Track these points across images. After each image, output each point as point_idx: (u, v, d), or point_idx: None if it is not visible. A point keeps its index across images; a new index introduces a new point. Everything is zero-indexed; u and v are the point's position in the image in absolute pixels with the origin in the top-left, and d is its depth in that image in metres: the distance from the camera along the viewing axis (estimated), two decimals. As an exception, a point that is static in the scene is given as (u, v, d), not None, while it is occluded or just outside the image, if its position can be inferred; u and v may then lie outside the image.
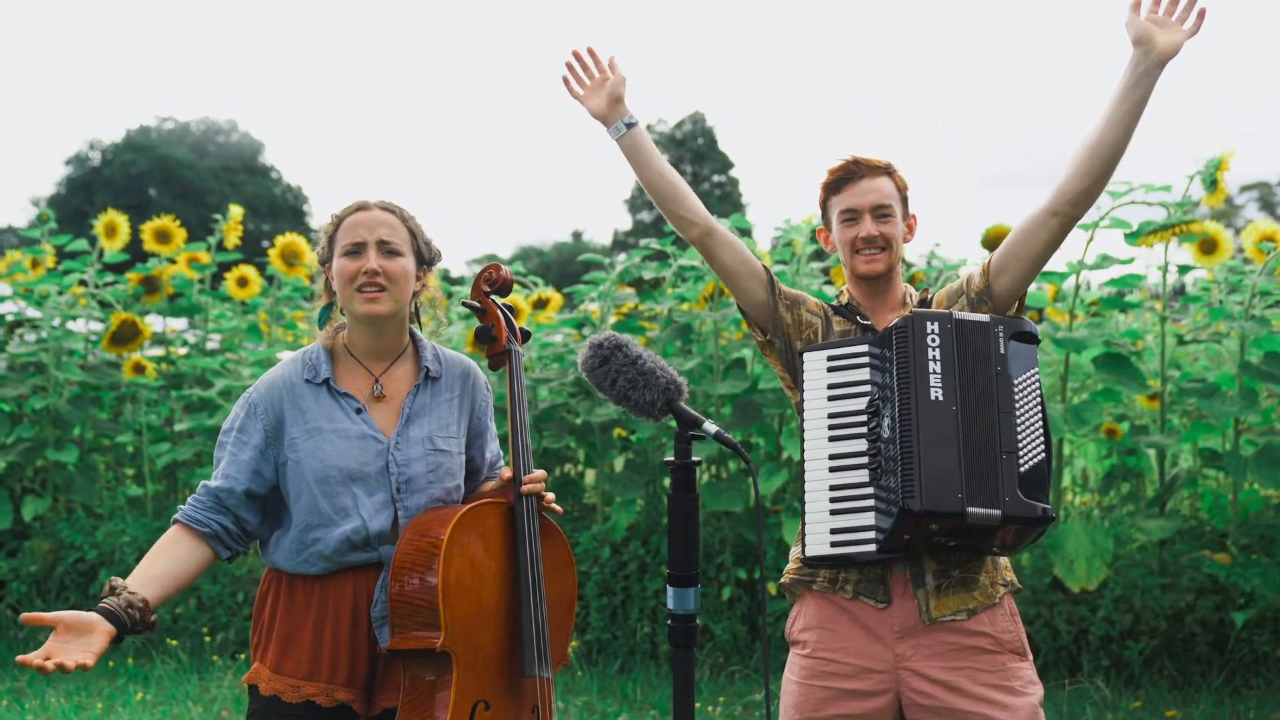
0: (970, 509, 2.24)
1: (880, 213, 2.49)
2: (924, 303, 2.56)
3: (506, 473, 2.36)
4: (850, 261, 2.52)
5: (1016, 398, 2.31)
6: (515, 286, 6.18)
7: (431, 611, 2.18)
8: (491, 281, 2.48)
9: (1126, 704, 4.62)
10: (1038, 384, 2.35)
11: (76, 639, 2.02)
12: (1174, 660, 4.84)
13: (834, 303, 2.61)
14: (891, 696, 2.37)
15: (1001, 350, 2.33)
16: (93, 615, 2.05)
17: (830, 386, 2.41)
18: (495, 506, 2.31)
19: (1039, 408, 2.34)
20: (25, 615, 1.98)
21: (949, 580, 2.37)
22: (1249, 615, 4.64)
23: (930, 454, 2.27)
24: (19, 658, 1.93)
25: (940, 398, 2.30)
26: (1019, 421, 2.30)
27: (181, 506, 2.30)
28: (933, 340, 2.33)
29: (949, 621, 2.35)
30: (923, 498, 2.25)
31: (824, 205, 2.59)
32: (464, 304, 2.51)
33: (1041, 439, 2.32)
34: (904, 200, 2.56)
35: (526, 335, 2.53)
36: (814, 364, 2.45)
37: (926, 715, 2.35)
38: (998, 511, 2.24)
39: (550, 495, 2.39)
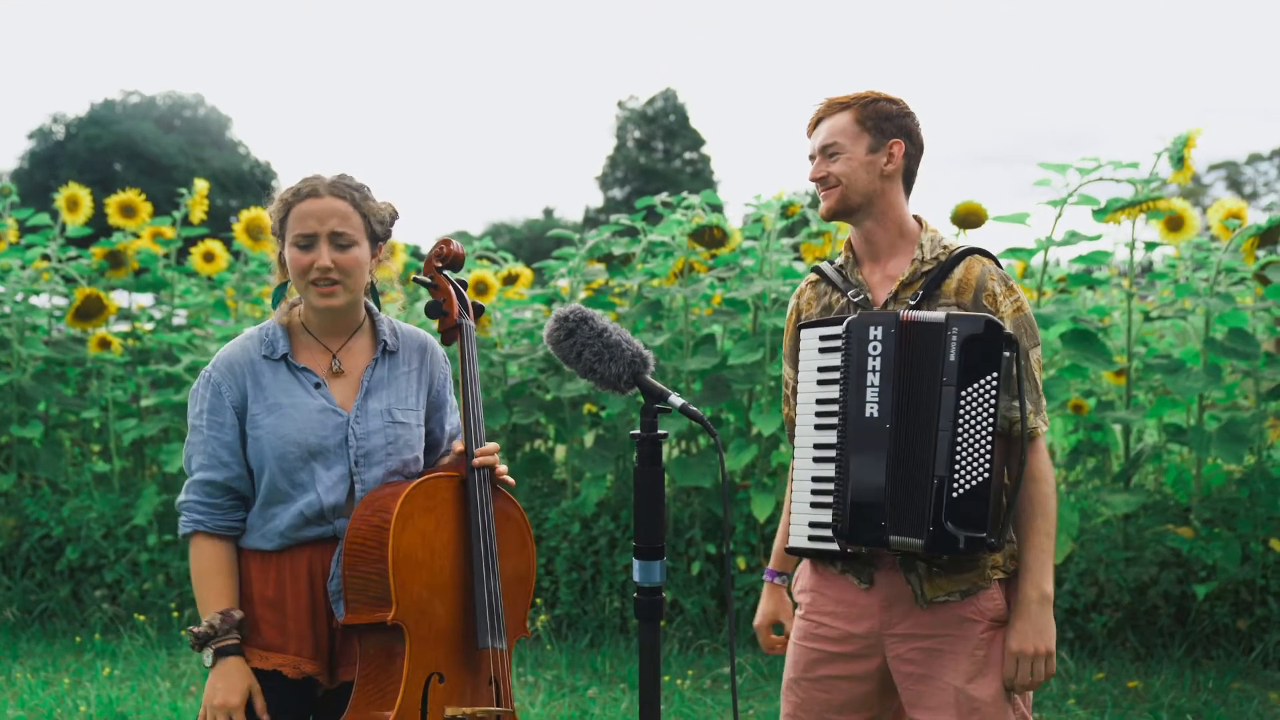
0: (893, 538, 2.22)
1: (828, 151, 2.39)
2: (949, 257, 2.35)
3: (458, 445, 2.35)
4: None
5: (962, 411, 2.18)
6: (485, 262, 6.16)
7: (382, 586, 2.18)
8: (443, 257, 2.48)
9: (1090, 675, 4.68)
10: (993, 391, 2.19)
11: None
12: (1137, 632, 4.91)
13: (834, 261, 2.51)
14: (879, 660, 2.39)
15: (951, 357, 2.19)
16: (253, 679, 2.23)
17: (820, 369, 2.35)
18: (447, 480, 2.31)
19: (989, 419, 2.19)
20: None
21: (942, 563, 2.33)
22: (1210, 588, 4.71)
23: (858, 477, 2.23)
24: None
25: (875, 414, 2.23)
26: (960, 440, 2.18)
27: (190, 510, 2.28)
28: (874, 348, 2.24)
29: (942, 601, 2.34)
30: (846, 524, 2.24)
31: None
32: (414, 279, 2.51)
33: (987, 457, 2.18)
34: (872, 129, 2.37)
35: (480, 309, 2.52)
36: (809, 342, 2.37)
37: (907, 682, 2.37)
38: (919, 541, 2.20)
39: (503, 468, 2.37)
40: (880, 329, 2.24)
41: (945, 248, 2.39)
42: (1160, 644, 4.89)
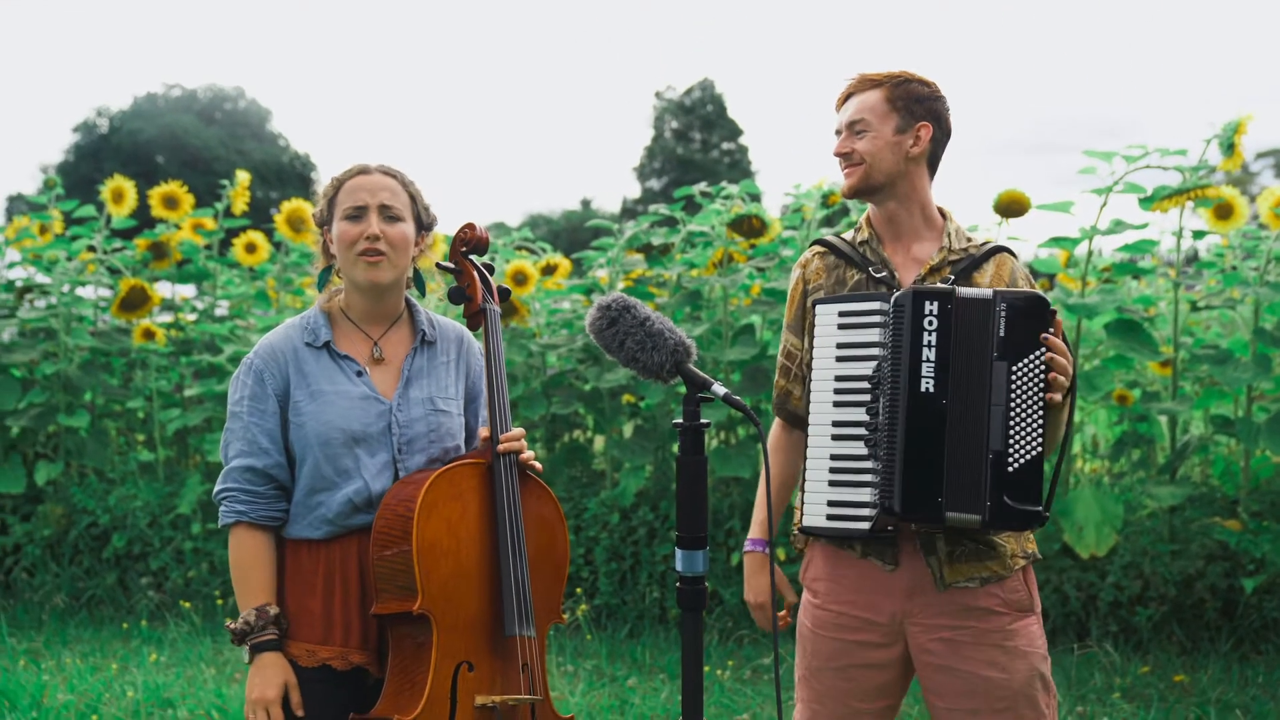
0: (949, 514, 2.19)
1: (856, 128, 2.38)
2: (981, 251, 2.39)
3: (485, 431, 2.35)
4: None
5: (1013, 386, 2.18)
6: (524, 253, 6.17)
7: (408, 575, 2.17)
8: (467, 241, 2.46)
9: (1135, 669, 4.63)
10: (1042, 365, 2.20)
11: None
12: (1183, 626, 4.84)
13: (848, 235, 2.48)
14: (901, 648, 2.37)
15: (1001, 333, 2.19)
16: (290, 673, 2.25)
17: (840, 346, 2.31)
18: (473, 467, 2.29)
19: (1040, 395, 2.20)
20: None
21: (963, 548, 2.32)
22: (1259, 582, 4.64)
23: (913, 453, 2.20)
24: None
25: (931, 389, 2.20)
26: (1012, 415, 2.18)
27: (233, 500, 2.28)
28: (930, 323, 2.21)
29: (962, 586, 2.33)
30: (900, 500, 2.20)
31: None
32: (439, 266, 2.49)
33: (1039, 431, 2.19)
34: (902, 110, 2.37)
35: (505, 293, 2.50)
36: (825, 318, 2.33)
37: (929, 671, 2.35)
38: (978, 517, 2.18)
39: (530, 453, 2.36)
40: (936, 304, 2.21)
41: (970, 240, 2.42)
42: (1207, 638, 4.82)
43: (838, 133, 2.43)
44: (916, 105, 2.38)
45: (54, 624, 5.60)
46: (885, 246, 2.43)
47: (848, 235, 2.50)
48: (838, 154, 2.41)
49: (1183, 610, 4.86)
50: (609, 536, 5.43)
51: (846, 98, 2.43)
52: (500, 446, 2.30)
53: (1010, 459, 2.19)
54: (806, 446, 2.35)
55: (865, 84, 2.40)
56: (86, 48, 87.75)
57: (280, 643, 2.24)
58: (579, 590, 5.43)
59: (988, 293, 2.23)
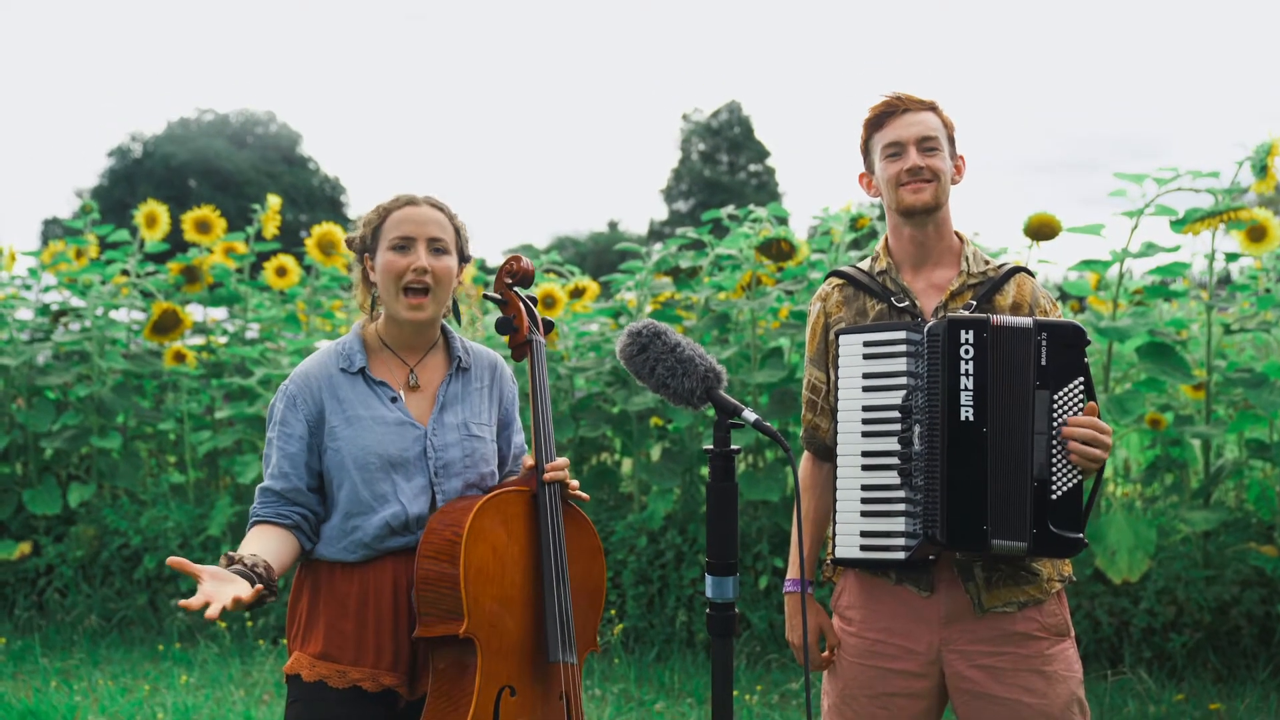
0: (995, 541, 2.19)
1: (926, 145, 2.36)
2: (1000, 274, 2.39)
3: (529, 460, 2.36)
4: (895, 196, 2.38)
5: (1054, 414, 2.20)
6: (552, 276, 6.20)
7: (454, 599, 2.19)
8: (513, 273, 2.49)
9: (1170, 696, 4.56)
10: (1080, 396, 2.22)
11: (222, 585, 1.99)
12: (1218, 653, 4.78)
13: (865, 265, 2.48)
14: (937, 679, 2.36)
15: (1042, 361, 2.20)
16: (230, 571, 2.04)
17: (865, 376, 2.31)
18: (519, 494, 2.32)
19: None
20: (172, 560, 1.94)
21: (1000, 573, 2.32)
22: (1296, 608, 4.57)
23: (956, 483, 2.19)
24: (181, 602, 1.92)
25: (971, 418, 2.19)
26: (1054, 443, 2.20)
27: (254, 515, 2.30)
28: (966, 351, 2.20)
29: (1000, 611, 2.32)
30: (946, 530, 2.19)
31: (865, 145, 2.46)
32: (485, 296, 2.54)
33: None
34: (951, 139, 2.42)
35: (549, 325, 2.54)
36: (849, 349, 2.33)
37: (966, 698, 2.34)
38: (1023, 544, 2.18)
39: (574, 482, 2.38)
40: (972, 332, 2.21)
41: (987, 263, 2.43)
42: (1244, 665, 4.75)
43: (897, 147, 2.38)
44: (954, 135, 2.44)
45: (86, 645, 5.64)
46: (904, 274, 2.44)
47: (864, 265, 2.50)
48: (913, 169, 2.35)
49: (1218, 637, 4.79)
50: (637, 560, 5.41)
51: (898, 113, 2.39)
52: (545, 475, 2.32)
53: (1054, 486, 2.20)
54: (835, 476, 2.35)
55: (920, 104, 2.40)
56: (120, 73, 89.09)
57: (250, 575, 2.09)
58: (612, 612, 5.42)
59: (1027, 322, 2.23)
